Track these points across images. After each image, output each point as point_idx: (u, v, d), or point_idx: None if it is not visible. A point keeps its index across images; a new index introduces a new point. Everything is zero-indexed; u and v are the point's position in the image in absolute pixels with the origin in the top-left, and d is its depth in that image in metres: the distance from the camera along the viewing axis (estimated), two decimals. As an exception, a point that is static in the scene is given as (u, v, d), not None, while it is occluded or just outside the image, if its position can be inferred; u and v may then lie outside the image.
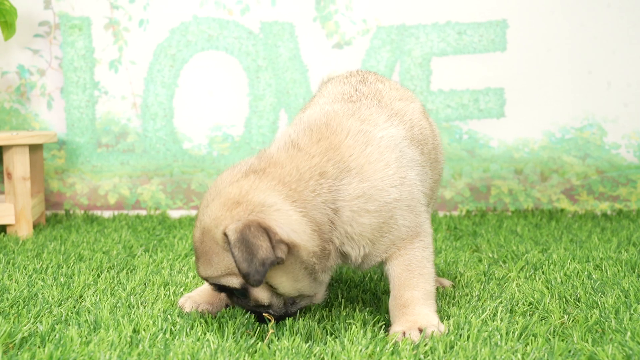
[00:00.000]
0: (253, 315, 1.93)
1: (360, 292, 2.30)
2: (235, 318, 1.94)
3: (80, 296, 2.26)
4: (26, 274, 2.50)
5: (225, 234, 1.76)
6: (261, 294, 1.86)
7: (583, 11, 3.81)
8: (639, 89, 3.84)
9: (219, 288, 1.90)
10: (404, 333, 1.84)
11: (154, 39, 3.86)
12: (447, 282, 2.41)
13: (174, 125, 3.89)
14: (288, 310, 1.92)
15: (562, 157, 3.87)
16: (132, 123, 3.90)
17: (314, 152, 1.89)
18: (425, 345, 1.78)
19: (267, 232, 1.73)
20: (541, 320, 2.00)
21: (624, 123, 3.84)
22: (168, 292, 2.28)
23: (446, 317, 2.03)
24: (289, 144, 1.92)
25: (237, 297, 1.92)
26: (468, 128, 3.87)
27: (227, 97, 3.88)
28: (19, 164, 3.33)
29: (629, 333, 1.82)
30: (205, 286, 2.17)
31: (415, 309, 1.91)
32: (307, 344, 1.79)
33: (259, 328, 1.90)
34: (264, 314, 1.90)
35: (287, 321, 1.93)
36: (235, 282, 1.82)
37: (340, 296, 2.24)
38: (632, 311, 2.01)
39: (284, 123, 3.88)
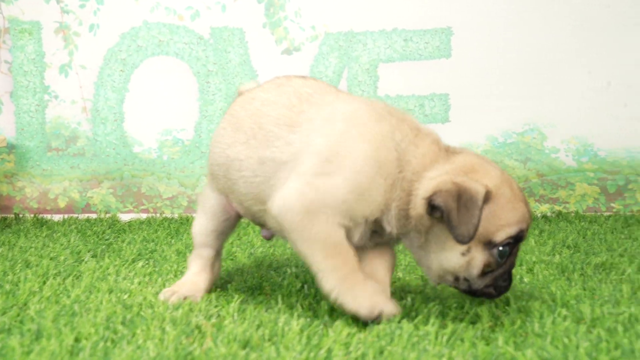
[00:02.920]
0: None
1: (300, 298, 2.38)
2: (177, 325, 2.00)
3: (25, 304, 2.29)
4: (-28, 282, 2.53)
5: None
6: None
7: (525, 22, 3.93)
8: (583, 96, 3.97)
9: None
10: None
11: (105, 44, 3.88)
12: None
13: (124, 129, 3.92)
14: None
15: (505, 160, 3.99)
16: (82, 127, 3.92)
17: None
18: (357, 350, 1.86)
19: None
20: (471, 324, 2.09)
21: (562, 128, 3.97)
22: (111, 299, 2.32)
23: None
24: None
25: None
26: (414, 133, 3.96)
27: (177, 101, 3.93)
28: (-34, 169, 3.33)
29: (549, 337, 1.92)
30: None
31: None
32: (245, 350, 1.86)
33: (198, 335, 1.96)
34: None
35: (228, 327, 2.00)
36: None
37: (280, 302, 2.32)
38: (555, 315, 2.12)
39: (234, 127, 3.93)
